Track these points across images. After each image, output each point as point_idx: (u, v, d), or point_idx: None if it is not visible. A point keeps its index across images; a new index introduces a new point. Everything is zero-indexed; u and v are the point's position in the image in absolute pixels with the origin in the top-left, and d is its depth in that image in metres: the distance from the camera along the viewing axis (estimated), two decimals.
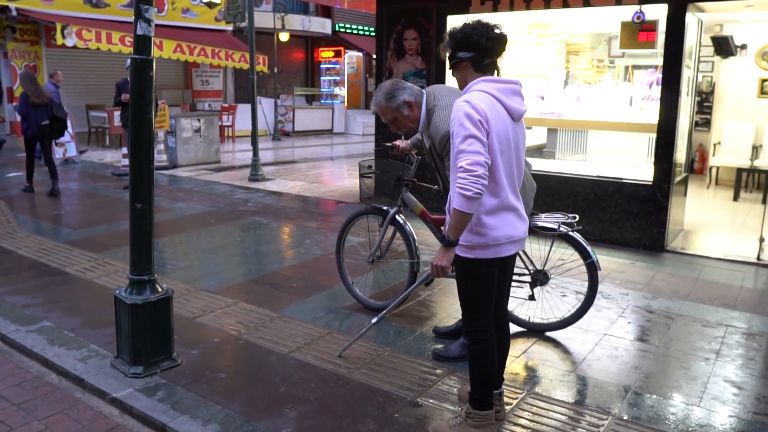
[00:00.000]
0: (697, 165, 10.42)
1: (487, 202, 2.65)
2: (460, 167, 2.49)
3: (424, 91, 3.43)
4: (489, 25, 2.69)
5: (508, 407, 3.20)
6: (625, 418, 3.14)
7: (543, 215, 3.93)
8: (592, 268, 3.93)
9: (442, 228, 2.69)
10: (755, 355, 3.91)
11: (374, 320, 3.78)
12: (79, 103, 14.54)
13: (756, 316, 4.54)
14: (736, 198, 8.70)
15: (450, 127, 2.64)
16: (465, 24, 2.72)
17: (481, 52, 2.68)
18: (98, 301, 4.61)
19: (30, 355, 3.83)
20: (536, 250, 4.02)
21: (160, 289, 3.58)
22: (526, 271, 4.03)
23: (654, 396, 3.37)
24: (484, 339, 2.83)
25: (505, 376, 3.18)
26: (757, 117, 9.41)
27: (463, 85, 2.77)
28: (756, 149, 9.23)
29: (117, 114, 11.02)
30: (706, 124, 10.13)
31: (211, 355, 3.80)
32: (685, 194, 7.07)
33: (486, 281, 2.78)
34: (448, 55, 2.78)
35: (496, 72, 2.74)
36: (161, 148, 11.54)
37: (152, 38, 3.32)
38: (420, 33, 7.53)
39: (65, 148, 11.65)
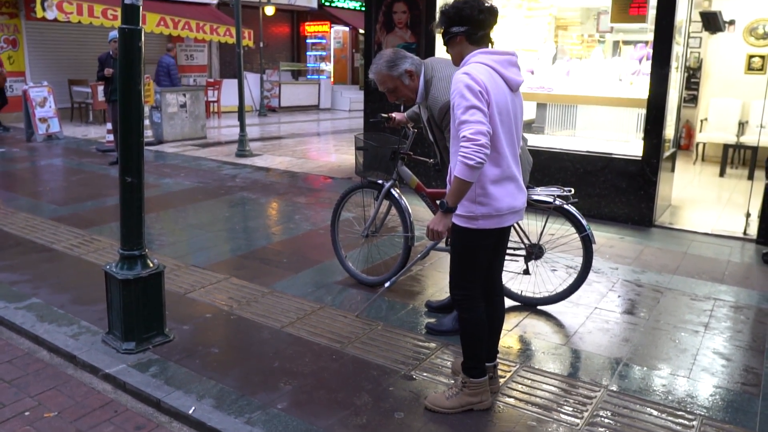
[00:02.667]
0: (684, 141, 10.45)
1: (490, 172, 2.68)
2: (463, 137, 2.51)
3: (422, 62, 3.41)
4: None
5: (501, 380, 3.23)
6: (616, 389, 3.18)
7: (538, 189, 3.93)
8: (587, 242, 3.94)
9: (438, 202, 2.70)
10: (743, 328, 3.97)
11: (387, 284, 3.97)
12: (61, 78, 14.24)
13: (743, 289, 4.60)
14: (722, 174, 8.76)
15: (450, 98, 2.63)
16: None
17: (474, 25, 2.69)
18: (87, 277, 4.57)
19: (20, 332, 3.79)
20: (531, 224, 4.03)
21: (151, 264, 3.54)
22: (522, 245, 4.04)
23: (644, 368, 3.41)
24: (473, 306, 2.87)
25: (498, 348, 3.20)
26: (744, 93, 9.42)
27: (458, 59, 2.77)
28: (742, 125, 9.28)
29: (101, 89, 10.79)
30: (693, 100, 10.15)
31: (204, 331, 3.79)
32: (673, 170, 7.11)
33: (484, 251, 2.82)
34: (441, 31, 2.78)
35: (490, 44, 2.75)
36: (147, 123, 11.35)
37: (140, 8, 3.24)
38: (410, 6, 7.43)
39: (48, 123, 11.42)
